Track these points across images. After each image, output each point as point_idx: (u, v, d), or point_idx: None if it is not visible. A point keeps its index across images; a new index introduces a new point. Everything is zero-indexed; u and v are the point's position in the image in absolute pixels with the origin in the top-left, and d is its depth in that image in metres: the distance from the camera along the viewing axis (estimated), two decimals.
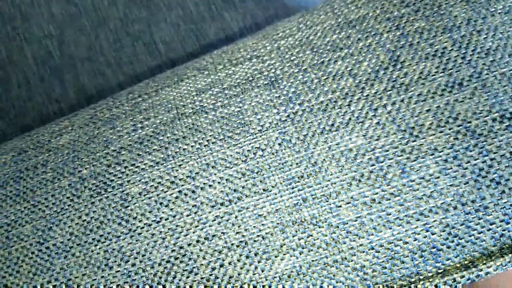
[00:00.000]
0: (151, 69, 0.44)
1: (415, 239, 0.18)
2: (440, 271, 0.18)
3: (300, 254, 0.18)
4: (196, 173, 0.20)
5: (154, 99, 0.22)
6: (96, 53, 0.45)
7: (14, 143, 0.25)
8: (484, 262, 0.18)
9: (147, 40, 0.44)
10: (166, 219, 0.19)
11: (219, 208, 0.19)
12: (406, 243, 0.18)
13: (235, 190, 0.19)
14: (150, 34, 0.45)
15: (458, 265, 0.18)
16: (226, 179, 0.19)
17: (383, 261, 0.18)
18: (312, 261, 0.18)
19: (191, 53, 0.40)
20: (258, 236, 0.19)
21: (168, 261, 0.19)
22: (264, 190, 0.19)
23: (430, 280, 0.18)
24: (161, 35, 0.44)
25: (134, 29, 0.45)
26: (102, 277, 0.20)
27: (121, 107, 0.23)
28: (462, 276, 0.18)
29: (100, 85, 0.43)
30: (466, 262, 0.18)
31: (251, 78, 0.21)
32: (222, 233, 0.19)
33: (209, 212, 0.19)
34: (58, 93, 0.44)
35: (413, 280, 0.18)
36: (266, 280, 0.19)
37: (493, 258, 0.18)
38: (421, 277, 0.18)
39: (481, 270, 0.18)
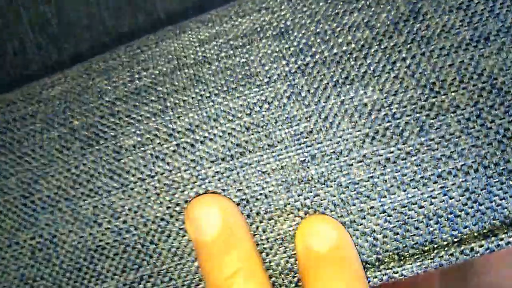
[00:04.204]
0: None
1: (431, 204, 0.17)
2: (456, 239, 0.17)
3: (305, 214, 0.17)
4: (196, 126, 0.18)
5: (154, 50, 0.21)
6: (96, 21, 0.43)
7: (2, 96, 0.23)
8: (505, 231, 0.16)
9: (149, 11, 0.43)
10: (162, 174, 0.18)
11: (220, 164, 0.18)
12: (422, 207, 0.17)
13: (237, 145, 0.18)
14: (152, 4, 0.43)
15: (476, 233, 0.17)
16: (229, 133, 0.18)
17: (395, 226, 0.17)
18: None
19: None
20: (260, 194, 0.17)
21: (162, 219, 0.18)
22: (269, 145, 0.17)
23: (446, 249, 0.17)
24: (164, 6, 0.42)
25: None
26: (91, 234, 0.18)
27: (118, 59, 0.21)
28: (481, 246, 0.16)
29: (99, 54, 0.41)
30: (485, 231, 0.17)
31: (259, 29, 0.19)
32: (222, 190, 0.17)
33: (209, 168, 0.18)
34: (55, 62, 0.42)
35: (426, 248, 0.17)
36: (268, 241, 0.17)
37: None
38: (436, 246, 0.17)
39: (501, 239, 0.16)
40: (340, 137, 0.17)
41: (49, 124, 0.20)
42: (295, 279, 0.17)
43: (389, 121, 0.17)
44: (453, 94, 0.17)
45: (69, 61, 0.42)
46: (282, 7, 0.20)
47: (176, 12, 0.42)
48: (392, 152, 0.17)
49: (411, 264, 0.17)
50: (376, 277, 0.17)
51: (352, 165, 0.17)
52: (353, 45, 0.18)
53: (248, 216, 0.17)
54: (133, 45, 0.22)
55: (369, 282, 0.17)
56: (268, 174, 0.17)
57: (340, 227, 0.16)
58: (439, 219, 0.17)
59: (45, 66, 0.43)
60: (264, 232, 0.17)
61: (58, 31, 0.44)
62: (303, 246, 0.16)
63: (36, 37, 0.44)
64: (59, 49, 0.44)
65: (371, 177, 0.17)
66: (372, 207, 0.17)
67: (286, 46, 0.19)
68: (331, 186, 0.17)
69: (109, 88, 0.20)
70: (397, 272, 0.17)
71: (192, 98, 0.19)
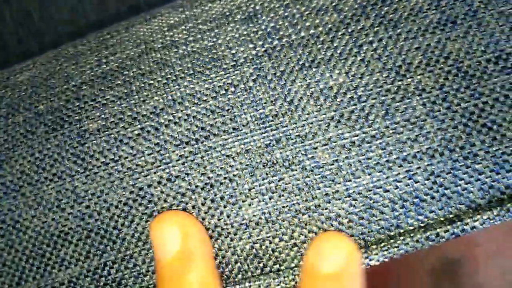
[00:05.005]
0: None
1: (397, 187, 0.16)
2: (422, 224, 0.17)
3: (270, 199, 0.17)
4: (160, 109, 0.18)
5: (123, 35, 0.21)
6: (78, 15, 0.43)
7: None
8: (471, 215, 0.16)
9: (132, 3, 0.42)
10: (125, 158, 0.18)
11: (184, 147, 0.17)
12: (387, 191, 0.16)
13: (202, 128, 0.17)
14: None
15: (442, 218, 0.16)
16: (193, 116, 0.18)
17: (360, 211, 0.17)
18: (283, 207, 0.17)
19: None
20: (225, 178, 0.17)
21: (125, 204, 0.17)
22: (234, 129, 0.17)
23: (411, 234, 0.16)
24: None
25: None
26: (53, 219, 0.18)
27: (87, 44, 0.21)
28: (446, 231, 0.16)
29: None
30: (451, 216, 0.16)
31: (228, 13, 0.19)
32: (186, 174, 0.17)
33: (173, 151, 0.17)
34: (36, 56, 0.42)
35: (392, 233, 0.17)
36: (232, 226, 0.17)
37: (480, 211, 0.16)
38: (401, 231, 0.17)
39: (466, 224, 0.16)
40: (305, 120, 0.17)
41: (14, 109, 0.20)
42: (261, 265, 0.17)
43: (354, 104, 0.17)
44: (419, 77, 0.17)
45: None
46: None
47: (159, 4, 0.42)
48: (357, 135, 0.17)
49: (377, 253, 0.16)
50: None
51: (317, 148, 0.17)
52: (320, 29, 0.18)
53: (212, 200, 0.17)
54: (104, 31, 0.22)
55: None
56: (233, 158, 0.17)
57: (350, 251, 0.16)
58: (404, 203, 0.16)
59: (25, 60, 0.42)
60: (228, 217, 0.17)
61: (40, 25, 0.44)
62: (309, 262, 0.16)
63: (17, 31, 0.43)
64: (40, 43, 0.43)
65: (336, 160, 0.17)
66: (337, 191, 0.16)
67: (254, 29, 0.18)
68: (296, 170, 0.17)
69: (76, 72, 0.20)
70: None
71: (158, 81, 0.18)
